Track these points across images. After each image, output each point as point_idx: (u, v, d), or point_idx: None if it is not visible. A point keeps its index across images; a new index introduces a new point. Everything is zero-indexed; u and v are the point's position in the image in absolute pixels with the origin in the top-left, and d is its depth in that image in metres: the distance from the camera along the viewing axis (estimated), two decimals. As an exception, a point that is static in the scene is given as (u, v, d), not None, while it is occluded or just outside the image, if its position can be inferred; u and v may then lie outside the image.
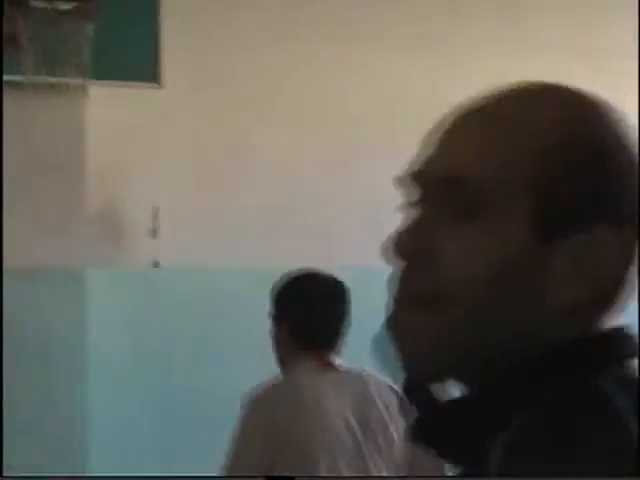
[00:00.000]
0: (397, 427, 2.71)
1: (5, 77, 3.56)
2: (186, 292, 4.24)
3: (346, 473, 2.60)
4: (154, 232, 4.16)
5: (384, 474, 2.66)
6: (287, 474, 2.59)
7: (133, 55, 3.77)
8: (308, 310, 2.81)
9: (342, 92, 4.45)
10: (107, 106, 4.01)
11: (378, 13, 4.46)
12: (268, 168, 4.37)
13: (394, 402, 2.72)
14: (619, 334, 0.93)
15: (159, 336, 4.19)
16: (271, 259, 4.31)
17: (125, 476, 3.95)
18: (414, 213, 0.95)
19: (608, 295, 0.92)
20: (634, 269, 0.93)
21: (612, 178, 0.92)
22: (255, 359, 4.33)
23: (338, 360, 2.81)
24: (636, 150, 0.94)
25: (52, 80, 3.49)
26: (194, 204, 4.27)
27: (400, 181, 0.97)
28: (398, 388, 2.75)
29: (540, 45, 4.60)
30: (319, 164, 4.43)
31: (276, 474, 2.58)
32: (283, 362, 2.82)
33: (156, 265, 4.23)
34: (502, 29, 4.60)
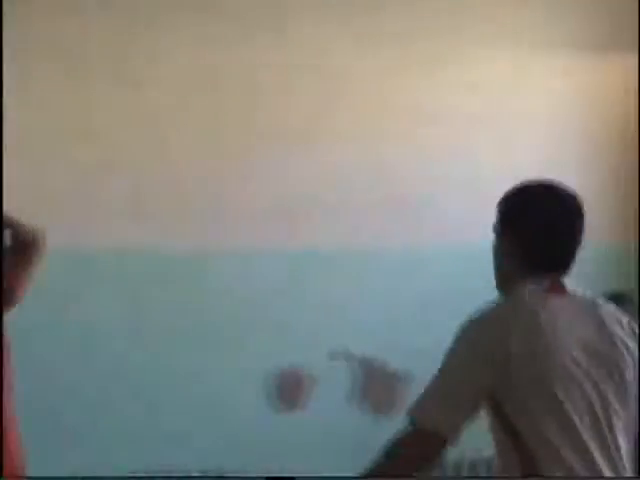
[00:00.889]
0: (628, 367, 2.39)
1: None
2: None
3: (581, 403, 2.30)
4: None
5: (618, 407, 2.35)
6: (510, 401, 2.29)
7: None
8: (548, 223, 2.42)
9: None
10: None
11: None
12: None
13: (630, 339, 2.42)
14: None
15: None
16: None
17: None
18: None
19: None
20: None
21: None
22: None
23: (570, 284, 2.46)
24: None
25: None
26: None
27: None
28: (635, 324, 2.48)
29: None
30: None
31: (497, 400, 2.30)
32: (507, 281, 2.45)
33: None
34: None
